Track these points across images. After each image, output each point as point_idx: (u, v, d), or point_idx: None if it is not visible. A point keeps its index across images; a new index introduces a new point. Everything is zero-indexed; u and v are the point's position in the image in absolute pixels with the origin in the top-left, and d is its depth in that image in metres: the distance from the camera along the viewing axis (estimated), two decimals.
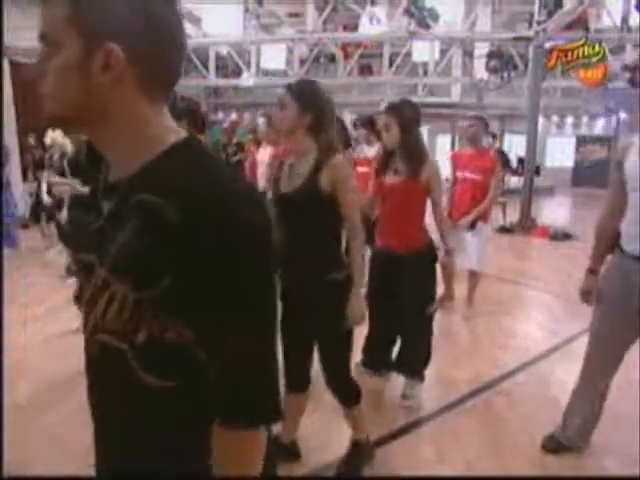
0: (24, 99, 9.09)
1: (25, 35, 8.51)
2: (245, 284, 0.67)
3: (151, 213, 0.65)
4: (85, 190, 3.00)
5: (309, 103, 1.91)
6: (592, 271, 2.29)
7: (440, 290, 4.66)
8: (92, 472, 0.98)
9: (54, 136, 5.00)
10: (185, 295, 0.66)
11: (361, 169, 4.55)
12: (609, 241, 2.25)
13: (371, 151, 4.78)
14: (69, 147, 4.72)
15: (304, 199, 1.93)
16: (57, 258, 6.07)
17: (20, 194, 7.62)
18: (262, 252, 0.68)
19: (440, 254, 2.91)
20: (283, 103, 1.93)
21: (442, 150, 17.62)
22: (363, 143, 4.93)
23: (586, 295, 2.30)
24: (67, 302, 4.55)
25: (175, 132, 0.73)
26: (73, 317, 4.19)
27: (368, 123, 4.84)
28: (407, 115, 2.63)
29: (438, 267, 4.50)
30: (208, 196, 0.64)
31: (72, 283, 5.09)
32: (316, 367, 2.18)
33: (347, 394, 2.18)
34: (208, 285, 0.65)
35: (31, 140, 6.80)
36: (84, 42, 0.65)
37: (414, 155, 2.64)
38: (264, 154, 4.71)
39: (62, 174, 4.72)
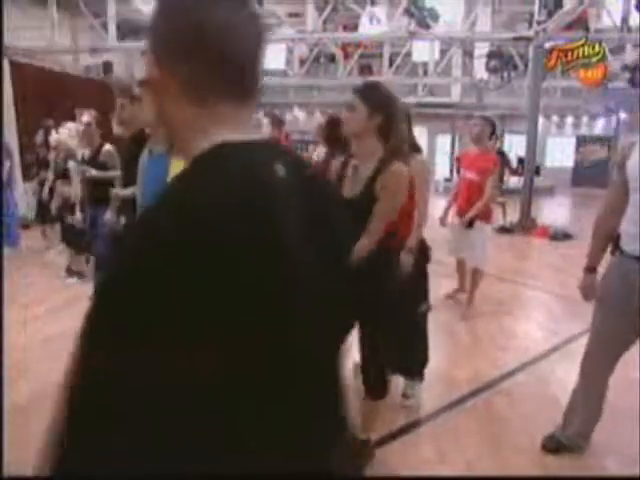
0: (24, 99, 9.10)
1: (25, 35, 8.53)
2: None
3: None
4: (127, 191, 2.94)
5: (378, 105, 1.92)
6: (590, 269, 2.30)
7: (450, 285, 4.68)
8: None
9: (58, 137, 5.00)
10: None
11: None
12: (606, 240, 2.25)
13: None
14: (76, 148, 4.79)
15: (362, 208, 1.93)
16: (57, 258, 6.07)
17: (20, 194, 7.62)
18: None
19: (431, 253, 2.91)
20: (352, 106, 1.93)
21: (442, 150, 17.67)
22: None
23: (585, 292, 2.31)
24: (67, 302, 4.56)
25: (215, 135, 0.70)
26: (73, 317, 4.20)
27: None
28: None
29: (455, 262, 4.56)
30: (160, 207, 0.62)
31: (73, 283, 5.10)
32: None
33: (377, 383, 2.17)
34: None
35: (38, 139, 6.83)
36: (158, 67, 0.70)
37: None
38: None
39: (64, 175, 4.81)
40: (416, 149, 2.73)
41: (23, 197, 7.81)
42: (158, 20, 0.69)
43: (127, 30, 10.62)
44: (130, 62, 12.20)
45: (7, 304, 3.82)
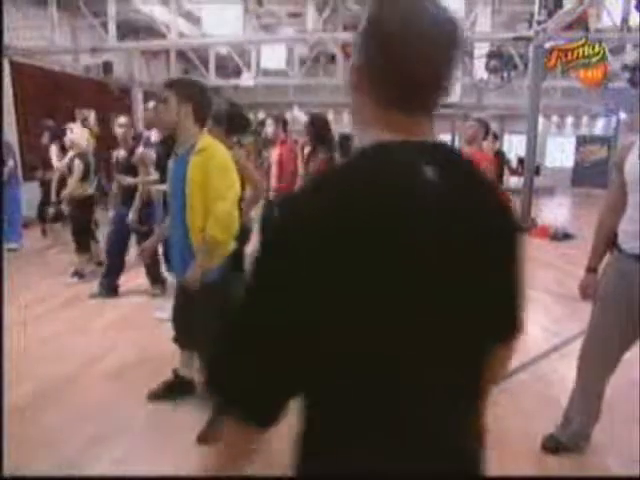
0: (24, 99, 9.10)
1: (25, 35, 8.53)
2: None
3: None
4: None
5: None
6: (591, 269, 2.31)
7: None
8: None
9: (73, 137, 5.14)
10: None
11: None
12: (608, 240, 2.26)
13: None
14: (89, 148, 5.15)
15: None
16: (58, 257, 6.08)
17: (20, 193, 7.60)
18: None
19: None
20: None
21: None
22: None
23: (585, 291, 2.32)
24: (67, 302, 4.56)
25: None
26: (73, 317, 4.20)
27: None
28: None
29: None
30: None
31: (74, 282, 5.10)
32: None
33: None
34: None
35: (44, 139, 6.87)
36: None
37: None
38: (275, 154, 4.77)
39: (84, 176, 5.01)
40: None
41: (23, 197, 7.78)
42: (370, 48, 0.78)
43: (127, 30, 10.62)
44: (130, 62, 12.21)
45: (7, 304, 3.82)
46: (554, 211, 11.78)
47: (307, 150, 4.46)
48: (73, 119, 10.53)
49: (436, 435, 0.79)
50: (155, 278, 4.74)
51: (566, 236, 7.94)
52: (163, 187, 3.38)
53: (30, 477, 2.24)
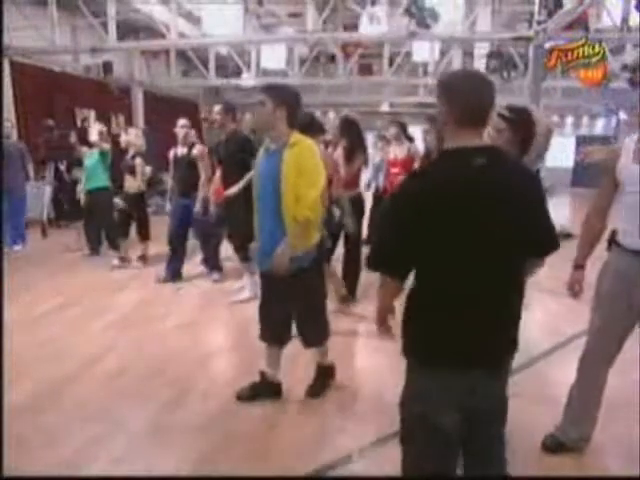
0: (24, 99, 9.09)
1: (25, 35, 8.52)
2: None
3: None
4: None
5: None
6: (578, 266, 2.35)
7: None
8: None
9: (129, 139, 5.67)
10: None
11: (394, 170, 5.39)
12: (593, 238, 2.33)
13: (401, 151, 5.43)
14: (144, 148, 5.72)
15: None
16: (58, 257, 6.09)
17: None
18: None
19: None
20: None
21: None
22: (394, 143, 5.50)
23: (572, 287, 2.36)
24: (67, 302, 4.56)
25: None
26: (73, 317, 4.20)
27: (399, 123, 5.24)
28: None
29: None
30: None
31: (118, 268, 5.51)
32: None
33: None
34: None
35: (72, 139, 6.91)
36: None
37: None
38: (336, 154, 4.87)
39: (133, 172, 5.56)
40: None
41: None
42: (450, 98, 1.50)
43: (127, 30, 10.61)
44: (130, 62, 12.21)
45: (7, 304, 3.82)
46: (554, 211, 11.72)
47: (339, 150, 4.47)
48: (73, 119, 10.56)
49: (478, 317, 1.48)
50: (214, 265, 5.26)
51: (566, 236, 7.93)
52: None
53: (30, 477, 2.25)
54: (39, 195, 7.69)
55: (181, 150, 5.17)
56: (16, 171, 6.50)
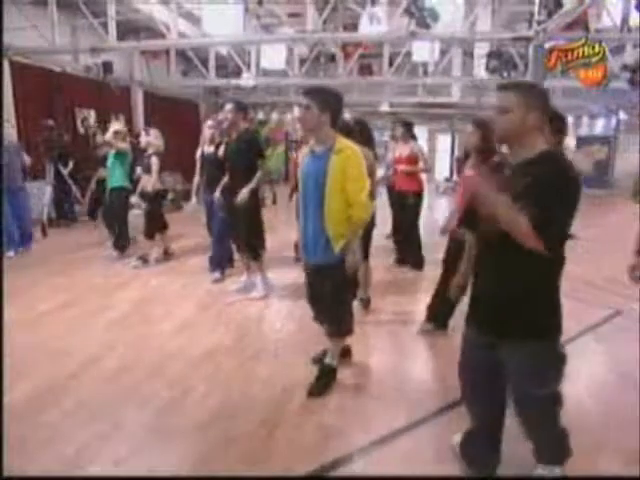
0: (24, 99, 9.09)
1: (25, 35, 8.52)
2: None
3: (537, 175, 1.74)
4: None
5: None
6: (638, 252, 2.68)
7: None
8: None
9: (149, 139, 5.87)
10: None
11: (400, 166, 5.63)
12: None
13: (406, 149, 5.66)
14: (162, 148, 5.90)
15: None
16: (60, 257, 6.08)
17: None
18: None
19: None
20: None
21: (442, 149, 17.67)
22: (400, 142, 5.74)
23: (631, 273, 2.68)
24: (67, 302, 4.56)
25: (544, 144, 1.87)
26: (73, 317, 4.20)
27: (406, 123, 5.35)
28: None
29: None
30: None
31: (139, 266, 5.73)
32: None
33: None
34: None
35: (99, 139, 6.97)
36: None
37: None
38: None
39: (149, 171, 5.75)
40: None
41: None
42: (538, 101, 1.85)
43: (127, 30, 10.61)
44: (130, 62, 12.21)
45: (7, 304, 3.82)
46: None
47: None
48: (73, 118, 10.56)
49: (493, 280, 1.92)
50: (219, 264, 5.28)
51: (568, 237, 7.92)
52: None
53: (30, 477, 2.25)
54: (39, 195, 7.69)
55: (208, 149, 5.42)
56: (15, 171, 6.48)
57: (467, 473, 2.23)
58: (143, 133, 6.04)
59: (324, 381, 3.00)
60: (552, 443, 2.14)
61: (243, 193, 4.35)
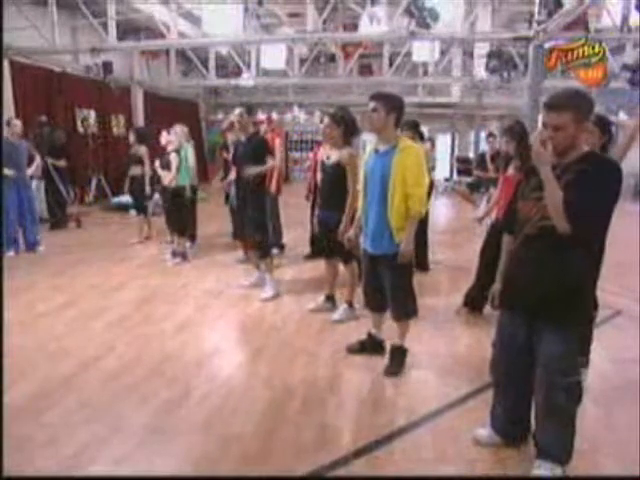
0: (24, 99, 9.09)
1: (25, 35, 8.53)
2: None
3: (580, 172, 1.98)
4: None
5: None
6: None
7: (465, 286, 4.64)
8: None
9: (170, 137, 6.00)
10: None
11: None
12: None
13: None
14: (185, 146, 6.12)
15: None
16: (60, 257, 6.07)
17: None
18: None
19: None
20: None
21: (442, 149, 17.63)
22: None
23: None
24: (67, 302, 4.56)
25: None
26: (73, 317, 4.20)
27: (413, 126, 5.28)
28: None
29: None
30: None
31: (178, 262, 5.85)
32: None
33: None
34: None
35: (131, 138, 7.03)
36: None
37: None
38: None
39: (168, 167, 5.84)
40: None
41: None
42: (583, 105, 2.07)
43: (127, 30, 10.62)
44: (130, 62, 12.21)
45: (7, 304, 3.82)
46: None
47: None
48: (73, 118, 10.56)
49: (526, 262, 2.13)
50: (265, 253, 5.12)
51: None
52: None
53: (30, 477, 2.25)
54: (37, 193, 7.61)
55: (239, 139, 5.45)
56: (21, 169, 6.41)
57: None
58: (164, 133, 6.15)
59: (398, 360, 3.25)
60: (561, 440, 2.17)
61: (252, 169, 4.42)
